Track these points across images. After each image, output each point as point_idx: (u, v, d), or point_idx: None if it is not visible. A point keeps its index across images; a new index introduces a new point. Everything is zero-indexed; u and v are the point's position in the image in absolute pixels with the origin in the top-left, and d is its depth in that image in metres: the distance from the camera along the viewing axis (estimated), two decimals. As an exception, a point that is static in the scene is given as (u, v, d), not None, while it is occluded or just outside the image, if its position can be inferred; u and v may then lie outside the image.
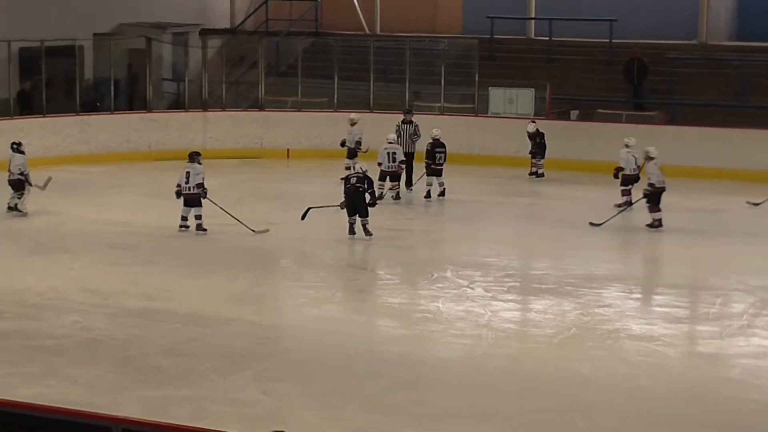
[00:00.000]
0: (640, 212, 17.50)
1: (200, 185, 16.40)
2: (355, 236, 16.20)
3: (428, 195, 19.23)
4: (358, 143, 20.60)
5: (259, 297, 13.84)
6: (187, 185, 16.49)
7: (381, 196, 18.22)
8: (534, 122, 21.53)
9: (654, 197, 16.95)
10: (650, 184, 17.02)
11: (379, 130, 22.27)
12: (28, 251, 15.80)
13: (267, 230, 16.57)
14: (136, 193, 20.00)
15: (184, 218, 16.65)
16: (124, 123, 23.59)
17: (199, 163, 16.69)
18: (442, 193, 19.25)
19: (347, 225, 16.25)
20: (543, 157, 21.29)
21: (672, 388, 10.55)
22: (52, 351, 11.40)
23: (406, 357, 11.38)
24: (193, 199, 16.48)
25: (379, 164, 18.57)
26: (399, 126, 20.20)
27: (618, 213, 17.72)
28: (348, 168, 19.86)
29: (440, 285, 14.08)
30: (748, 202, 18.77)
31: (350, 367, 11.10)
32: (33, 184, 17.53)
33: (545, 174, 21.35)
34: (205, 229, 16.47)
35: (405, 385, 10.60)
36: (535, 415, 9.94)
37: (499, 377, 10.85)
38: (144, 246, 15.96)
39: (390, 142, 18.80)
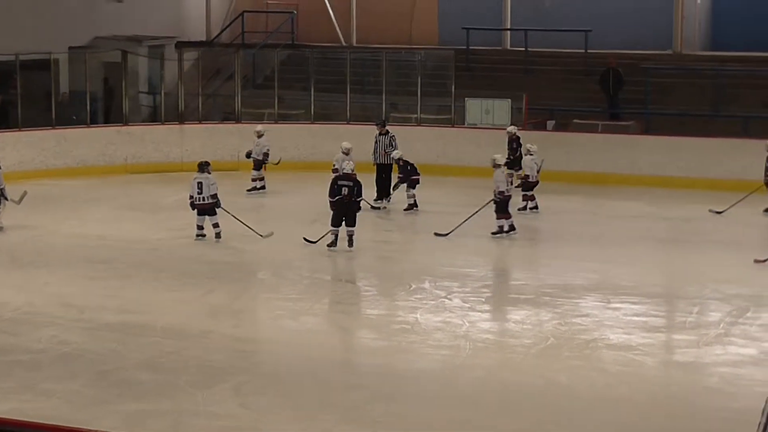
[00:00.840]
0: (622, 222, 17.56)
1: (214, 195, 16.57)
2: (335, 248, 16.18)
3: (410, 207, 19.26)
4: (266, 155, 20.78)
5: (236, 310, 13.79)
6: (201, 195, 16.61)
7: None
8: (515, 126, 21.51)
9: (501, 205, 17.21)
10: (500, 192, 17.23)
11: (356, 141, 22.30)
12: (3, 266, 15.73)
13: (272, 233, 16.80)
14: (112, 206, 19.92)
15: (200, 227, 16.78)
16: (101, 136, 23.50)
17: (209, 173, 16.77)
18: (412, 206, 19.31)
19: (330, 236, 16.18)
20: (520, 167, 21.07)
21: (650, 398, 10.59)
22: (29, 366, 11.35)
23: (385, 368, 11.39)
24: (207, 208, 16.63)
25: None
26: (376, 138, 20.22)
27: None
28: (255, 179, 20.59)
29: (418, 296, 14.09)
30: (710, 210, 18.90)
31: (329, 380, 11.09)
32: (8, 198, 17.45)
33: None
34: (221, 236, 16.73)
35: (384, 396, 10.60)
36: (514, 426, 9.96)
37: (477, 388, 10.86)
38: (121, 259, 15.90)
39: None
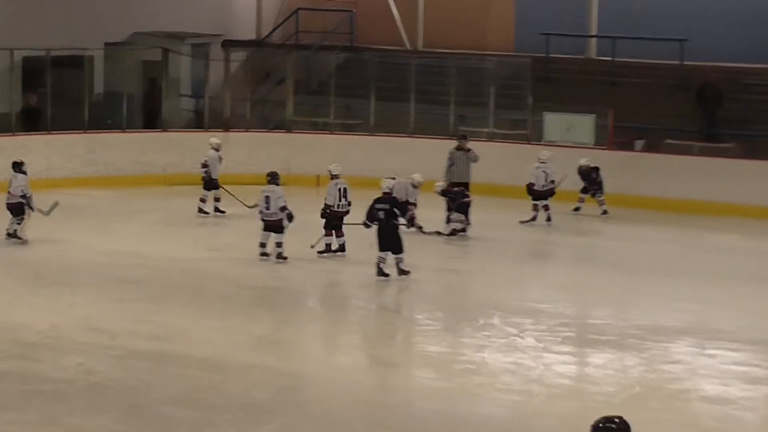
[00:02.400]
0: (721, 257, 17.39)
1: (284, 208, 16.63)
2: (388, 279, 16.15)
3: (453, 232, 19.25)
4: (204, 167, 20.31)
5: (282, 341, 13.81)
6: (267, 209, 16.71)
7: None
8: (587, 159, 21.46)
9: (329, 220, 17.35)
10: (328, 206, 17.45)
11: (420, 156, 22.35)
12: (27, 284, 15.87)
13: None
14: (147, 221, 20.07)
15: (263, 245, 16.89)
16: (137, 143, 23.76)
17: (278, 185, 16.94)
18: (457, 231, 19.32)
19: (375, 265, 16.18)
20: (602, 192, 21.20)
21: (750, 459, 10.42)
22: (52, 396, 11.39)
23: (445, 413, 11.29)
24: (273, 224, 16.68)
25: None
26: (453, 153, 20.29)
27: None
28: (211, 200, 20.11)
29: (486, 333, 14.01)
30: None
31: (384, 424, 11.02)
32: (35, 208, 17.61)
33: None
34: (286, 258, 16.74)
35: (445, 445, 10.54)
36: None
37: (551, 440, 10.77)
38: (155, 280, 16.00)
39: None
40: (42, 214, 17.66)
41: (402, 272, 16.14)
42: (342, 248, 17.31)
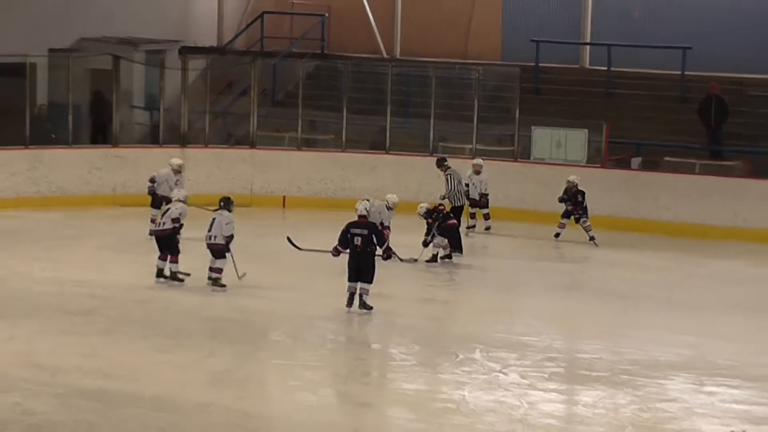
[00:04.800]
0: (723, 286, 17.49)
1: (230, 237, 17.00)
2: (351, 309, 16.27)
3: (435, 258, 19.45)
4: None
5: (242, 378, 13.84)
6: (210, 234, 17.07)
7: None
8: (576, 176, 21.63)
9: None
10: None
11: (397, 175, 22.48)
12: (-40, 315, 15.88)
13: (245, 274, 17.11)
14: (96, 245, 20.10)
15: (212, 269, 17.21)
16: (84, 159, 23.77)
17: (230, 211, 17.21)
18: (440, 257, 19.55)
19: (346, 293, 16.32)
20: (587, 216, 21.28)
21: (751, 505, 10.54)
22: (-13, 439, 11.45)
23: (422, 457, 11.42)
24: (217, 250, 17.01)
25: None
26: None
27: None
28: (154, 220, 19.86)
29: (466, 368, 14.10)
30: None
31: (353, 469, 11.13)
32: None
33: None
34: (224, 285, 17.03)
35: (420, 492, 10.63)
36: None
37: (536, 486, 10.87)
38: (103, 311, 16.02)
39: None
40: None
41: (364, 306, 16.25)
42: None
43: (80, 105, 25.14)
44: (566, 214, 21.38)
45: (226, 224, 17.08)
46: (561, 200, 21.33)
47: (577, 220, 21.33)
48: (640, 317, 16.82)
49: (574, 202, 21.27)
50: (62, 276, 17.86)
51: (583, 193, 21.26)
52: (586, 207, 21.27)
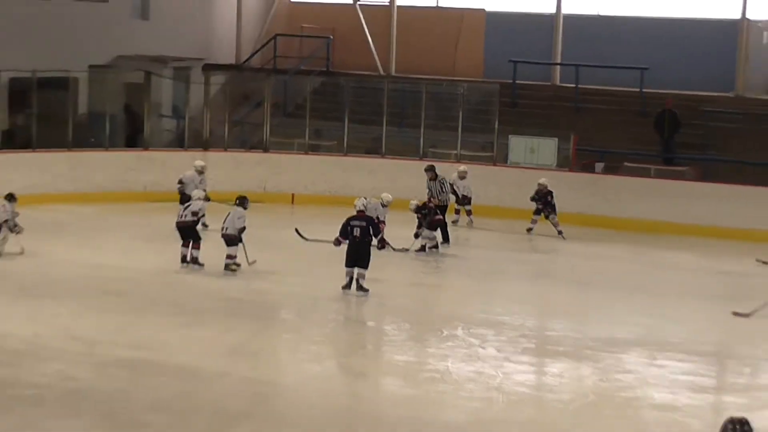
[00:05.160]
0: (673, 274, 17.49)
1: (242, 229, 17.10)
2: (349, 291, 16.29)
3: (424, 249, 19.46)
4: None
5: (256, 351, 13.84)
6: (224, 225, 17.19)
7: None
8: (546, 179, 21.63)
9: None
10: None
11: (392, 177, 22.49)
12: (11, 295, 15.84)
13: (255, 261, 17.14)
14: (129, 235, 20.11)
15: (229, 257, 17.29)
16: (119, 161, 23.77)
17: (245, 208, 17.33)
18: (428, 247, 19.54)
19: (346, 277, 16.35)
20: (555, 213, 21.32)
21: (695, 463, 10.56)
22: (32, 402, 11.41)
23: (412, 420, 11.38)
24: (229, 239, 17.14)
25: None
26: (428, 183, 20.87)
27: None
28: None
29: (450, 343, 14.13)
30: (758, 260, 18.86)
31: (352, 430, 11.10)
32: (14, 231, 17.61)
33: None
34: (235, 270, 17.15)
35: (409, 449, 10.64)
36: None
37: (510, 445, 10.88)
38: (135, 292, 16.04)
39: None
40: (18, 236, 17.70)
41: (361, 289, 16.29)
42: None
43: (116, 114, 25.14)
44: (537, 212, 21.41)
45: (238, 218, 17.15)
46: (532, 199, 21.37)
47: (546, 217, 21.37)
48: (601, 300, 16.86)
49: (544, 202, 21.32)
50: (100, 262, 17.87)
51: (551, 194, 21.29)
52: (554, 205, 21.29)
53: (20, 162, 22.31)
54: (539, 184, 21.32)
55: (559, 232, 21.22)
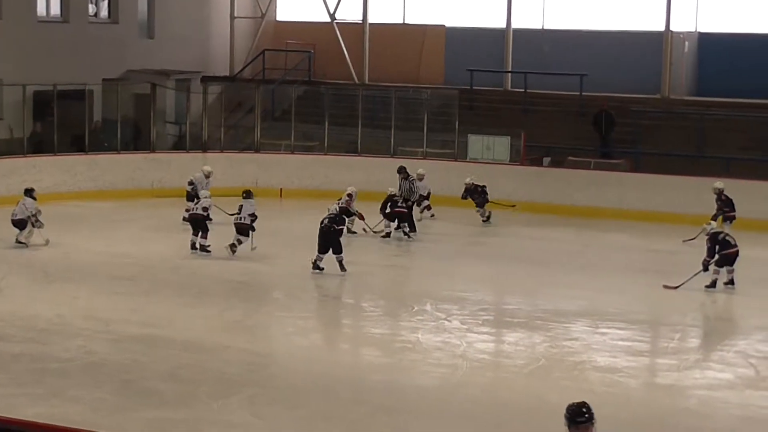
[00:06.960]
0: (611, 253, 17.53)
1: (252, 215, 17.27)
2: (320, 272, 16.14)
3: (386, 235, 19.32)
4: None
5: (251, 326, 13.85)
6: (239, 215, 17.31)
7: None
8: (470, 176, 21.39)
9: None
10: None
11: (367, 172, 22.48)
12: (36, 280, 15.80)
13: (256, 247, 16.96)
14: (139, 227, 20.00)
15: (237, 243, 17.30)
16: (129, 162, 23.61)
17: (251, 199, 17.66)
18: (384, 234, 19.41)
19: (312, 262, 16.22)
20: (484, 205, 21.05)
21: (634, 417, 10.59)
22: (58, 373, 11.42)
23: (387, 384, 11.44)
24: (242, 228, 17.22)
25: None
26: (414, 180, 20.55)
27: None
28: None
29: (420, 317, 14.14)
30: (684, 240, 18.90)
31: (336, 393, 11.13)
32: (37, 226, 17.47)
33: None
34: (233, 251, 17.18)
35: (387, 410, 10.64)
36: (506, 441, 9.96)
37: (473, 405, 10.88)
38: (145, 277, 15.98)
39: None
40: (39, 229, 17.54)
41: (343, 269, 16.22)
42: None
43: (126, 121, 24.98)
44: (478, 204, 21.13)
45: (251, 206, 17.41)
46: (463, 197, 21.17)
47: (478, 207, 21.05)
48: (550, 277, 16.83)
49: (475, 194, 20.92)
50: (114, 250, 17.78)
51: (484, 187, 21.06)
52: (486, 196, 20.93)
53: (46, 165, 22.17)
54: (465, 183, 21.08)
55: (487, 218, 20.93)
